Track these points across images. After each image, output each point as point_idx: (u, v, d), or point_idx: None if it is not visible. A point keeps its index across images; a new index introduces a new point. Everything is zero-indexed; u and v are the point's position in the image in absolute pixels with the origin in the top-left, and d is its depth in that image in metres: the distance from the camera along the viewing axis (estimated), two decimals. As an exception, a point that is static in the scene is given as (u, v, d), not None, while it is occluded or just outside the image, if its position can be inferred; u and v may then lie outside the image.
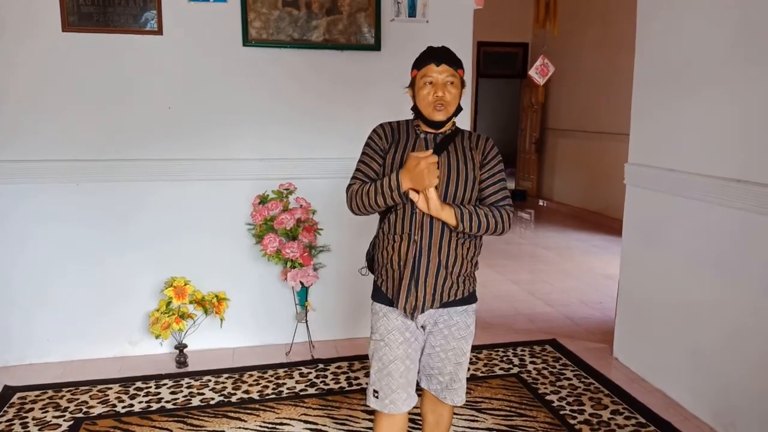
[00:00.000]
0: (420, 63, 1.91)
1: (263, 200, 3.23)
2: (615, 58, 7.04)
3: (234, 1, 3.18)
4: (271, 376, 3.12)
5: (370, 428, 2.59)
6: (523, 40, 9.54)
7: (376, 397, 1.97)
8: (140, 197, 3.26)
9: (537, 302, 4.47)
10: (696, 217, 2.77)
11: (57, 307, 3.24)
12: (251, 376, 3.11)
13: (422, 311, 1.89)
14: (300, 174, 3.33)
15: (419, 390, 2.05)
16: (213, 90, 3.25)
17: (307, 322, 3.41)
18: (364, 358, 3.28)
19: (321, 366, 3.23)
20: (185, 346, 3.25)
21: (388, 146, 1.95)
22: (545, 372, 3.19)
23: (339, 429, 2.61)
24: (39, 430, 2.61)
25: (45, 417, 2.71)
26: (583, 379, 3.11)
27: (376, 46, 3.36)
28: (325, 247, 3.38)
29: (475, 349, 3.49)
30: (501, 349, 3.48)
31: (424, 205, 1.79)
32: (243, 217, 3.31)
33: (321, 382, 3.06)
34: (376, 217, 2.00)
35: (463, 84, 1.91)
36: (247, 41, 3.21)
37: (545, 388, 3.01)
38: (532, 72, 3.55)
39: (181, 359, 3.23)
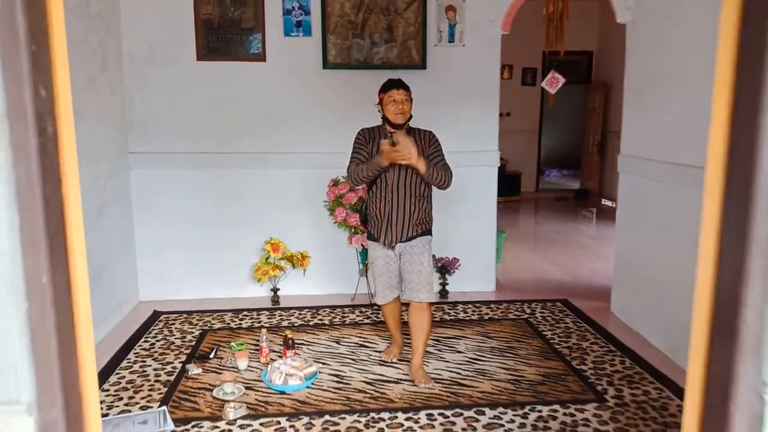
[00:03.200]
0: (386, 89, 3.08)
1: (335, 183, 4.32)
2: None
3: (317, 35, 4.30)
4: (339, 312, 4.21)
5: (404, 343, 3.60)
6: (587, 48, 10.18)
7: (374, 296, 3.31)
8: (247, 180, 4.45)
9: (566, 277, 5.29)
10: (668, 198, 3.57)
11: (189, 260, 4.49)
12: (324, 311, 4.22)
13: (395, 243, 3.10)
14: (363, 163, 4.39)
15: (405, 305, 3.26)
16: (300, 101, 4.40)
17: (367, 276, 4.47)
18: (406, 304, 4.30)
19: (376, 307, 4.28)
20: (278, 289, 4.40)
21: (367, 142, 3.13)
22: (549, 318, 4.07)
23: (382, 341, 3.65)
24: (180, 333, 3.83)
25: (183, 327, 3.93)
26: (577, 324, 3.97)
27: (423, 66, 4.37)
28: (382, 220, 4.42)
29: (498, 303, 4.41)
30: (519, 303, 4.38)
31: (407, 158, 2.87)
32: (320, 195, 4.41)
33: (374, 317, 4.11)
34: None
35: (411, 101, 3.09)
36: (326, 65, 4.33)
37: (545, 327, 3.91)
38: (543, 84, 4.42)
39: (275, 299, 4.39)
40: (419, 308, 3.12)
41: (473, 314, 4.15)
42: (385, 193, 3.09)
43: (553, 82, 4.15)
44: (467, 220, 4.57)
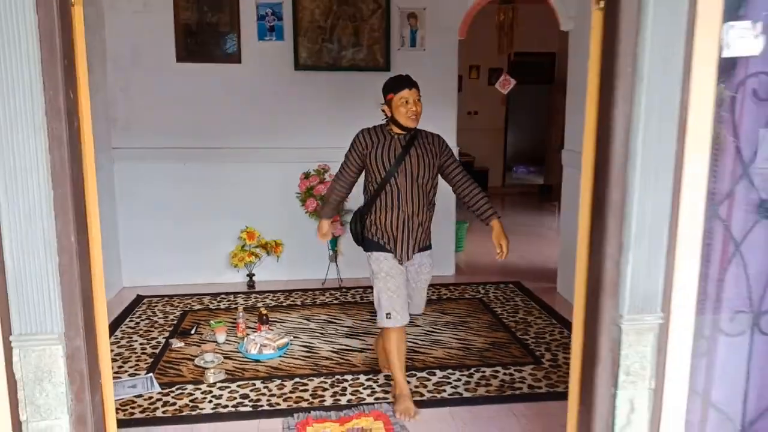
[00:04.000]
0: (396, 88, 2.71)
1: (306, 175, 4.68)
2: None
3: (289, 40, 4.66)
4: (310, 294, 4.57)
5: (369, 320, 3.99)
6: (550, 49, 10.66)
7: (389, 318, 2.76)
8: (225, 173, 4.78)
9: (522, 262, 5.73)
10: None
11: (169, 248, 4.81)
12: (297, 294, 4.58)
13: (410, 257, 2.84)
14: (332, 158, 4.73)
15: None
16: (274, 100, 4.75)
17: (336, 262, 4.84)
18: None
19: (344, 290, 4.66)
20: (254, 274, 4.75)
21: (368, 149, 2.79)
22: (501, 297, 4.50)
23: (348, 318, 4.04)
24: (163, 314, 4.16)
25: (165, 309, 4.27)
26: (526, 301, 4.40)
27: (387, 68, 4.75)
28: (349, 210, 4.80)
29: (456, 285, 4.82)
30: (475, 285, 4.80)
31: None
32: (292, 187, 4.77)
33: (342, 298, 4.49)
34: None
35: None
36: (297, 66, 4.69)
37: (496, 305, 4.33)
38: (497, 85, 4.84)
39: (251, 283, 4.74)
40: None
41: (432, 295, 4.55)
42: (399, 201, 2.76)
43: (505, 84, 4.58)
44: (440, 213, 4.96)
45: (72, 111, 1.54)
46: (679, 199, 1.65)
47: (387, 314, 2.77)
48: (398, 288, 2.79)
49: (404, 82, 2.73)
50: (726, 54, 1.62)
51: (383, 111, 2.81)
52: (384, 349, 2.94)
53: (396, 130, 2.79)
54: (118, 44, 4.55)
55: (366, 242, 2.91)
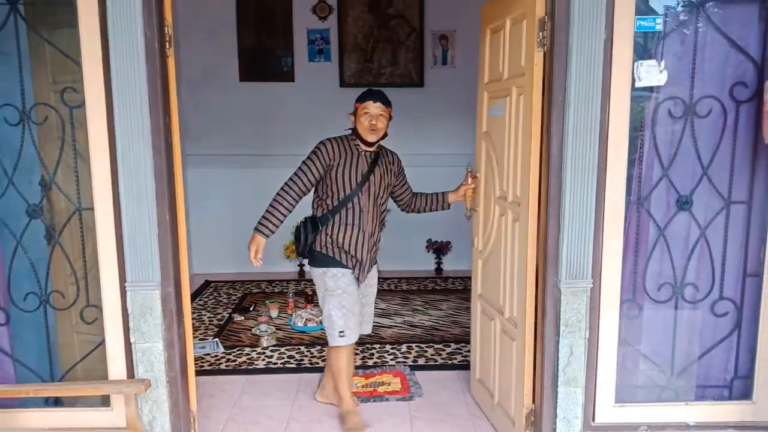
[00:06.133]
0: (362, 99, 2.67)
1: (350, 178, 5.34)
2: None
3: (335, 61, 5.35)
4: (351, 282, 5.22)
5: (399, 304, 4.59)
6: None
7: (342, 336, 2.70)
8: (279, 176, 5.41)
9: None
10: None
11: (232, 240, 5.55)
12: (339, 282, 5.24)
13: (366, 275, 2.83)
14: (372, 163, 5.40)
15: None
16: (322, 113, 5.43)
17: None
18: (408, 278, 5.28)
19: (380, 280, 5.27)
20: (303, 264, 5.45)
21: (334, 161, 2.69)
22: (521, 288, 5.01)
23: (382, 302, 4.66)
24: (226, 295, 4.90)
25: (228, 291, 5.01)
26: (542, 292, 4.90)
27: (421, 84, 5.37)
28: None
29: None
30: (499, 278, 5.32)
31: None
32: (338, 188, 5.43)
33: (378, 286, 5.10)
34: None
35: (390, 117, 2.73)
36: (342, 84, 5.37)
37: (514, 294, 4.84)
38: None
39: (301, 272, 5.44)
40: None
41: (459, 285, 5.11)
42: (360, 220, 2.72)
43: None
44: (457, 209, 5.52)
45: (167, 130, 2.24)
46: (604, 193, 2.19)
47: (340, 332, 2.72)
48: (352, 305, 2.73)
49: (370, 94, 2.67)
50: (638, 85, 2.16)
51: (351, 120, 2.77)
52: (333, 368, 2.88)
53: (363, 146, 2.73)
54: (190, 67, 5.35)
55: (319, 257, 2.80)
